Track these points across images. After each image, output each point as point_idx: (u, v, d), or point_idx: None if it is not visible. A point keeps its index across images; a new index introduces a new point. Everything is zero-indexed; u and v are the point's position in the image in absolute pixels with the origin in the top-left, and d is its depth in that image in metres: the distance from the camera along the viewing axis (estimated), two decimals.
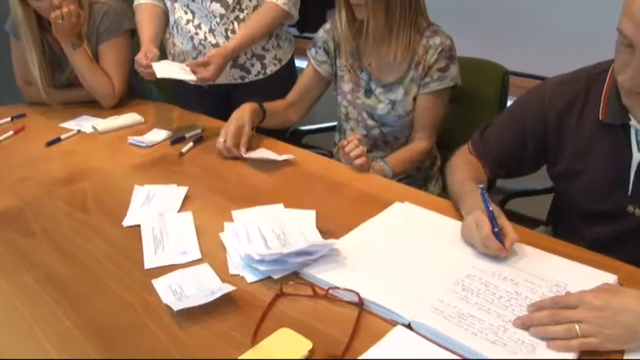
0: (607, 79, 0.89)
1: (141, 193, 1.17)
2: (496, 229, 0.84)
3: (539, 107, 0.98)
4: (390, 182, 1.22)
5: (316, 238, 0.94)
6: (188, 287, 0.82)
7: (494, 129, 1.10)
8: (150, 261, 0.90)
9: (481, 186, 0.88)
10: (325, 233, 0.94)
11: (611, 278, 0.80)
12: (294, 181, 1.18)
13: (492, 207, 0.84)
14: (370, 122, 1.40)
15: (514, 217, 0.98)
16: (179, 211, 1.06)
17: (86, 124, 1.60)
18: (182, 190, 1.13)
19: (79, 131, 1.57)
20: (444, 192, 1.44)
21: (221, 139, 1.26)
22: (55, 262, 0.90)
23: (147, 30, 1.44)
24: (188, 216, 1.04)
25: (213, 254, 0.92)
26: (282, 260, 0.84)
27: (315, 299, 0.80)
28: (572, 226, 1.04)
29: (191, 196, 1.12)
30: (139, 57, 1.34)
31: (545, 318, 0.70)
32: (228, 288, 0.79)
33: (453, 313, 0.77)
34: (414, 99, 1.34)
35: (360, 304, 0.77)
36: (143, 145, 1.45)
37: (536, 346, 0.68)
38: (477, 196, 0.93)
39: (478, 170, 1.08)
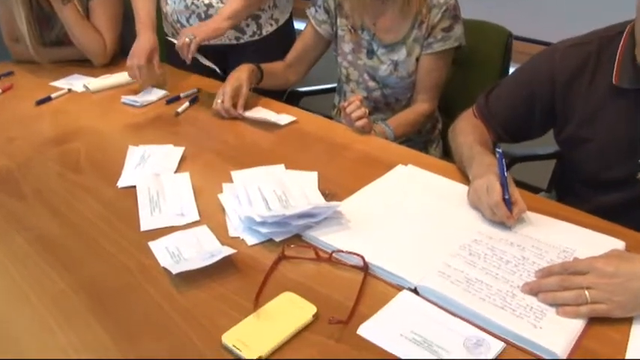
0: (621, 42, 0.86)
1: (136, 153, 1.14)
2: (507, 197, 0.82)
3: (549, 70, 0.94)
4: (391, 144, 1.21)
5: (319, 200, 0.92)
6: (186, 250, 0.81)
7: (500, 92, 1.07)
8: (146, 223, 0.89)
9: (500, 150, 0.85)
10: (327, 195, 0.93)
11: (619, 244, 0.79)
12: (294, 142, 1.17)
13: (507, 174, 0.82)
14: (371, 84, 1.37)
15: (517, 183, 0.96)
16: (176, 172, 1.04)
17: (77, 82, 1.55)
18: (179, 151, 1.11)
19: (69, 90, 1.52)
20: (445, 156, 1.43)
21: (218, 100, 1.23)
22: (48, 224, 0.89)
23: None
24: (185, 177, 1.02)
25: (211, 216, 0.90)
26: (284, 222, 0.82)
27: (319, 263, 0.79)
28: (576, 193, 1.02)
29: (188, 156, 1.10)
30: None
31: (554, 284, 0.68)
32: (228, 251, 0.77)
33: (460, 277, 0.76)
34: (417, 60, 1.31)
35: (365, 268, 0.76)
36: (137, 104, 1.41)
37: (545, 312, 0.68)
38: (486, 160, 0.91)
39: (483, 134, 1.06)
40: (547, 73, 0.97)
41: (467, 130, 1.06)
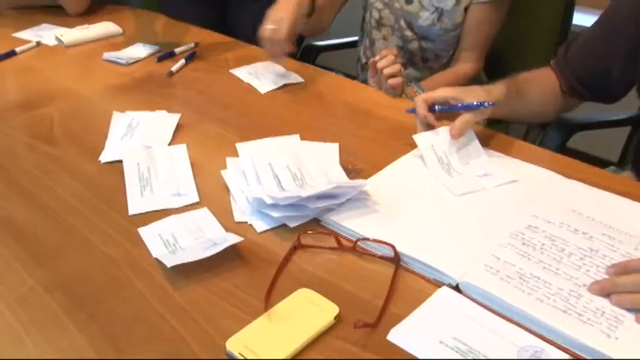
0: None
1: (121, 121, 1.14)
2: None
3: (634, 10, 0.94)
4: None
5: (341, 177, 0.92)
6: (184, 237, 0.81)
7: (580, 42, 1.06)
8: (135, 205, 0.89)
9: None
10: (350, 172, 0.93)
11: None
12: (310, 107, 1.18)
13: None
14: (408, 33, 1.33)
15: (579, 156, 0.96)
16: (170, 144, 1.05)
17: (48, 34, 1.53)
18: (173, 118, 1.11)
19: (38, 43, 1.50)
20: (491, 125, 1.38)
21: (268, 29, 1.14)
22: (14, 207, 0.88)
23: None
24: (181, 149, 1.02)
25: (213, 197, 0.90)
26: (299, 205, 0.82)
27: (341, 253, 0.79)
28: None
29: (184, 125, 1.10)
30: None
31: (632, 283, 0.65)
32: (233, 239, 0.78)
33: (512, 273, 0.74)
34: (466, 10, 1.26)
35: (397, 260, 0.76)
36: (122, 62, 1.41)
37: (621, 319, 0.65)
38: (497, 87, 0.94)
39: (541, 79, 1.04)
40: (630, 14, 0.95)
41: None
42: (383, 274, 0.75)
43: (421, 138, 0.98)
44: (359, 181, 0.87)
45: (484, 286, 0.71)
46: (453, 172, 0.92)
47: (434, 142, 0.96)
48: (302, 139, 1.02)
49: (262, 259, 0.78)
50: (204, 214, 0.87)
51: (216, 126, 1.11)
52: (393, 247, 0.77)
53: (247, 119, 1.15)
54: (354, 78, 1.50)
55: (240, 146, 1.01)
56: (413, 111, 1.02)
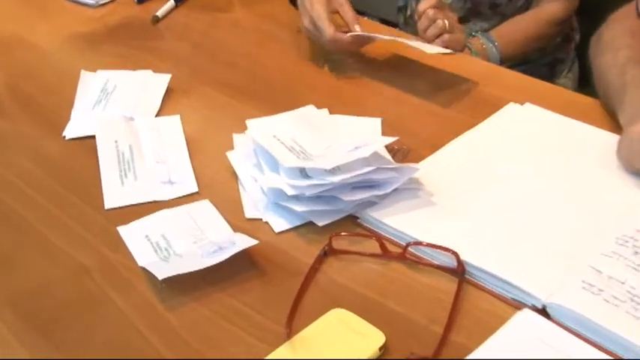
0: None
1: (92, 84, 1.15)
2: None
3: None
4: (497, 70, 1.19)
5: (385, 161, 0.91)
6: (179, 240, 0.82)
7: None
8: (113, 196, 0.90)
9: None
10: (396, 154, 0.93)
11: None
12: (342, 66, 1.18)
13: None
14: None
15: None
16: (158, 115, 1.06)
17: None
18: (161, 80, 1.12)
19: None
20: (583, 87, 1.39)
21: (306, 23, 1.16)
22: None
23: None
24: (174, 122, 1.03)
25: (217, 186, 0.91)
26: (331, 197, 0.83)
27: (386, 261, 0.79)
28: None
29: (176, 89, 1.11)
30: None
31: None
32: (244, 242, 0.78)
33: (620, 293, 0.72)
34: None
35: (460, 272, 0.76)
36: (91, 2, 1.42)
37: None
38: None
39: None
40: None
41: (620, 41, 1.01)
42: (442, 290, 0.75)
43: (256, 126, 0.99)
44: (408, 166, 0.87)
45: (581, 310, 0.69)
46: (311, 157, 0.92)
47: (275, 130, 0.96)
48: (331, 113, 1.03)
49: (282, 269, 0.78)
50: (205, 208, 0.87)
51: (219, 91, 1.12)
52: (455, 254, 0.76)
53: (261, 84, 1.15)
54: (394, 26, 1.50)
55: (252, 123, 1.01)
56: None
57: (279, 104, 1.06)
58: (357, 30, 1.14)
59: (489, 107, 1.03)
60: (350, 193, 0.84)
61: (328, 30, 1.13)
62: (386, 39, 1.17)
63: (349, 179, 0.83)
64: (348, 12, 1.14)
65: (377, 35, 1.17)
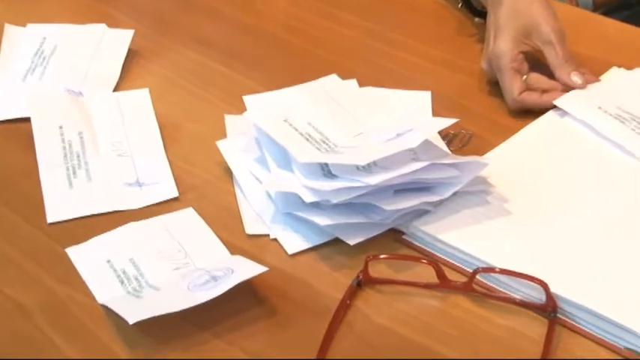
0: None
1: (23, 43, 1.14)
2: None
3: None
4: (589, 18, 1.20)
5: (439, 152, 0.90)
6: (154, 266, 0.81)
7: None
8: (59, 206, 0.89)
9: None
10: (452, 141, 0.95)
11: None
12: (372, 19, 1.18)
13: None
14: None
15: None
16: (118, 89, 1.06)
17: None
18: (121, 39, 1.12)
19: None
20: None
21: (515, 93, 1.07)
22: None
23: None
24: (140, 99, 1.03)
25: (204, 189, 0.92)
26: (365, 204, 0.83)
27: (444, 294, 0.79)
28: None
29: (142, 51, 1.12)
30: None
31: None
32: (246, 269, 0.78)
33: None
34: None
35: (551, 310, 0.75)
36: None
37: None
38: None
39: None
40: None
41: None
42: (525, 334, 0.74)
43: (257, 105, 0.99)
44: (473, 159, 0.87)
45: None
46: (337, 148, 0.92)
47: (285, 111, 0.96)
48: (362, 83, 1.02)
49: (300, 306, 0.78)
50: (188, 220, 0.87)
51: (203, 53, 1.13)
52: (544, 285, 0.75)
53: (259, 40, 1.15)
54: None
55: (251, 101, 1.00)
56: None
57: (289, 73, 1.05)
58: (577, 81, 1.06)
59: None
60: (392, 200, 0.83)
61: (512, 90, 1.09)
62: None
63: (391, 180, 0.82)
64: (556, 56, 1.07)
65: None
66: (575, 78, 1.05)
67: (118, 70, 1.09)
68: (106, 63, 1.10)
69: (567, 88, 1.05)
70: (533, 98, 1.06)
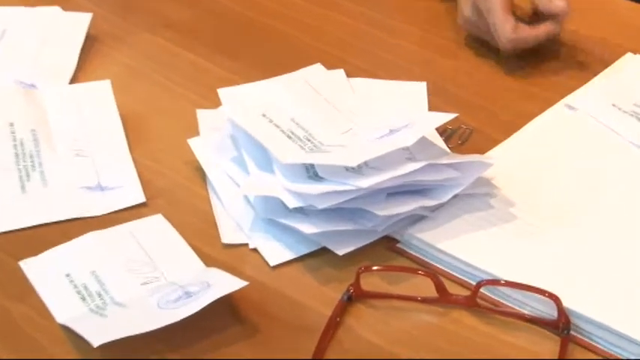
0: None
1: None
2: None
3: None
4: None
5: (437, 151, 0.91)
6: (119, 280, 0.81)
7: None
8: (10, 213, 0.90)
9: None
10: (450, 137, 0.96)
11: None
12: (367, 7, 1.18)
13: None
14: None
15: None
16: (75, 80, 1.06)
17: None
18: (78, 23, 1.13)
19: None
20: None
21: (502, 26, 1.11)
22: None
23: None
24: (101, 92, 1.03)
25: (175, 193, 0.92)
26: (356, 209, 0.83)
27: (445, 310, 0.79)
28: None
29: (103, 37, 1.12)
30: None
31: None
32: (224, 283, 0.78)
33: None
34: None
35: (564, 326, 0.75)
36: None
37: None
38: None
39: None
40: None
41: None
42: (536, 353, 0.75)
43: (234, 98, 0.99)
44: (475, 159, 0.88)
45: None
46: (323, 147, 0.92)
47: (264, 105, 0.97)
48: (350, 77, 1.03)
49: (284, 324, 0.78)
50: (157, 228, 0.87)
51: (172, 41, 1.13)
52: (555, 298, 0.75)
53: (235, 25, 1.16)
54: None
55: (226, 94, 0.99)
56: None
57: (270, 62, 1.05)
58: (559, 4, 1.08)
59: (593, 59, 1.05)
60: (385, 205, 0.83)
61: (505, 29, 1.10)
62: None
63: (384, 182, 0.82)
64: None
65: None
66: (558, 2, 1.07)
67: (74, 58, 1.09)
68: (61, 51, 1.10)
69: (554, 17, 1.08)
70: (528, 32, 1.08)
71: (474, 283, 0.80)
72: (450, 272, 0.83)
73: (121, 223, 0.89)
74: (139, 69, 1.09)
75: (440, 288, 0.80)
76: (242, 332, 0.78)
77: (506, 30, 1.08)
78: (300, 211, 0.84)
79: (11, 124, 0.99)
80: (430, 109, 0.98)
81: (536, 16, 1.11)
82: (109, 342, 0.74)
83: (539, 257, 0.83)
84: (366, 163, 0.86)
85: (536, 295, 0.78)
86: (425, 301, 0.80)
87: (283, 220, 0.85)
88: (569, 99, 1.02)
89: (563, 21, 1.08)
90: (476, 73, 1.08)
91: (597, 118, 0.99)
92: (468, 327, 0.79)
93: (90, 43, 1.12)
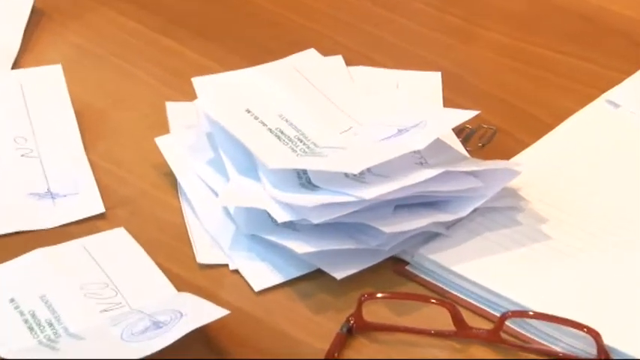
0: None
1: None
2: None
3: None
4: None
5: (453, 155, 0.91)
6: (73, 306, 0.82)
7: None
8: None
9: None
10: (470, 138, 0.96)
11: None
12: None
13: None
14: None
15: None
16: (18, 65, 1.07)
17: None
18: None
19: None
20: None
21: None
22: None
23: None
24: (51, 79, 1.04)
25: (140, 202, 0.93)
26: (357, 225, 0.83)
27: (462, 345, 0.80)
28: None
29: (54, 15, 1.14)
30: None
31: None
32: (201, 312, 0.77)
33: None
34: None
35: None
36: None
37: None
38: None
39: None
40: None
41: None
42: None
43: (211, 89, 0.99)
44: (500, 165, 0.88)
45: None
46: (318, 149, 0.92)
47: (248, 98, 0.97)
48: (350, 61, 1.03)
49: None
50: (119, 244, 0.88)
51: (136, 19, 1.14)
52: (594, 333, 0.75)
53: (215, 6, 1.16)
54: None
55: (202, 83, 1.00)
56: None
57: (254, 46, 1.06)
58: None
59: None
60: (392, 220, 0.84)
61: None
62: None
63: (391, 193, 0.83)
64: None
65: None
66: None
67: (18, 39, 1.09)
68: (1, 30, 1.10)
69: None
70: None
71: (498, 315, 0.80)
72: (469, 301, 0.83)
73: (75, 237, 0.89)
74: (96, 52, 1.09)
75: (457, 319, 0.79)
76: None
77: None
78: (290, 227, 0.84)
79: None
80: (445, 104, 0.98)
81: None
82: None
83: (574, 284, 0.83)
84: (369, 170, 0.86)
85: (571, 329, 0.78)
86: (439, 334, 0.80)
87: (270, 237, 0.85)
88: (610, 94, 1.01)
89: None
90: (500, 60, 1.08)
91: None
92: None
93: (36, 20, 1.12)
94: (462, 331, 0.80)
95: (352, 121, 0.95)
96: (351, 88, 1.00)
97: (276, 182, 0.87)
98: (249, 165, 0.90)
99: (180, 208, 0.91)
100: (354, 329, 0.81)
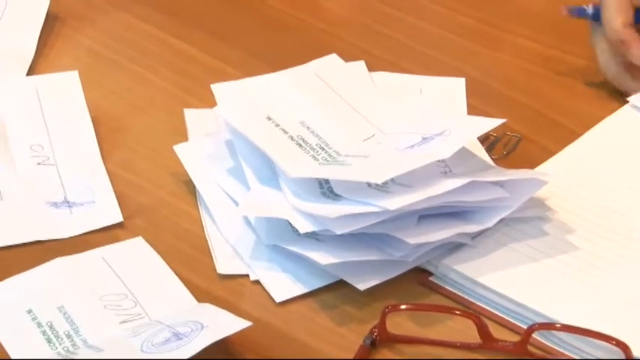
0: None
1: None
2: None
3: None
4: None
5: (479, 163, 0.92)
6: (92, 318, 0.82)
7: None
8: None
9: None
10: (494, 146, 0.96)
11: None
12: None
13: None
14: None
15: None
16: (34, 71, 1.07)
17: None
18: (38, 1, 1.13)
19: None
20: None
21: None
22: None
23: None
24: (67, 86, 1.04)
25: (159, 211, 0.94)
26: (381, 235, 0.84)
27: (490, 358, 0.79)
28: None
29: (70, 20, 1.14)
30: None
31: None
32: (222, 323, 0.78)
33: None
34: None
35: None
36: None
37: None
38: None
39: None
40: None
41: None
42: None
43: (231, 96, 0.99)
44: (525, 175, 0.88)
45: None
46: (340, 158, 0.92)
47: (269, 105, 0.97)
48: (372, 67, 1.03)
49: None
50: (138, 254, 0.88)
51: (154, 23, 1.14)
52: (623, 347, 0.75)
53: (234, 11, 1.17)
54: None
55: (221, 90, 1.00)
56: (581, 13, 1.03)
57: (274, 52, 1.06)
58: None
59: None
60: (416, 230, 0.84)
61: (614, 18, 1.09)
62: None
63: (416, 204, 0.83)
64: None
65: None
66: None
67: (33, 45, 1.09)
68: (16, 35, 1.10)
69: None
70: (636, 40, 1.07)
71: (525, 327, 0.79)
72: (495, 313, 0.83)
73: (93, 246, 0.89)
74: (110, 56, 1.10)
75: (483, 332, 0.80)
76: None
77: (616, 20, 1.08)
78: (312, 237, 0.85)
79: None
80: (469, 111, 0.98)
81: None
82: None
83: (602, 296, 0.83)
84: (392, 179, 0.86)
85: (600, 342, 0.77)
86: (464, 347, 0.80)
87: (292, 248, 0.85)
88: (635, 99, 1.02)
89: None
90: (525, 67, 1.08)
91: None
92: None
93: (51, 26, 1.12)
94: (487, 344, 0.80)
95: (375, 128, 0.95)
96: (373, 94, 1.00)
97: (298, 191, 0.87)
98: (270, 174, 0.90)
99: (200, 217, 0.91)
100: (378, 341, 0.81)
